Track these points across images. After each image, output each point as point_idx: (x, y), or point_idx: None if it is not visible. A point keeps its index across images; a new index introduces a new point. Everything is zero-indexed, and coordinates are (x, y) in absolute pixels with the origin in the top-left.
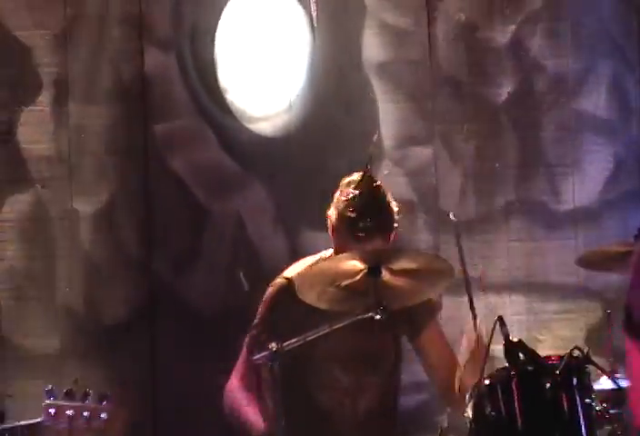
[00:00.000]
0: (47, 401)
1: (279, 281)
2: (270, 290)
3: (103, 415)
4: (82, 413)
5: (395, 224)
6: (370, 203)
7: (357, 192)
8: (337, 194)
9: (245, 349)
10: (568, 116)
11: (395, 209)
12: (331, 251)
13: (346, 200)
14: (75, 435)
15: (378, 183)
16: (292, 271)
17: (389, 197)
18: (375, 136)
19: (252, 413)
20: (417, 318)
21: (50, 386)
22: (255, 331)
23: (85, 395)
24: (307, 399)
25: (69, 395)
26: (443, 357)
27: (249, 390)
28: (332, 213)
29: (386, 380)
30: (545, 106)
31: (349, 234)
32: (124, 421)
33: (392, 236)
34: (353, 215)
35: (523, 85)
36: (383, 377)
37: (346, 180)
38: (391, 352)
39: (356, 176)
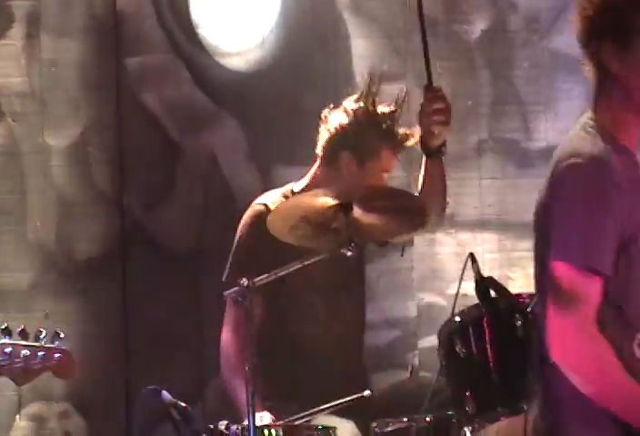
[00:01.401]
0: (3, 340)
1: (256, 207)
2: (245, 221)
3: (57, 355)
4: (37, 353)
5: None
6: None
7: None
8: (345, 117)
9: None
10: (541, 54)
11: None
12: (302, 184)
13: (367, 110)
14: (29, 374)
15: None
16: (265, 198)
17: None
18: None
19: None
20: None
21: (5, 325)
22: (234, 269)
23: (38, 335)
24: (286, 330)
25: (23, 335)
26: None
27: (244, 340)
28: (349, 113)
29: (357, 306)
30: (518, 44)
31: (390, 144)
32: (74, 362)
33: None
34: (389, 110)
35: (496, 23)
36: (354, 303)
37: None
38: (358, 281)
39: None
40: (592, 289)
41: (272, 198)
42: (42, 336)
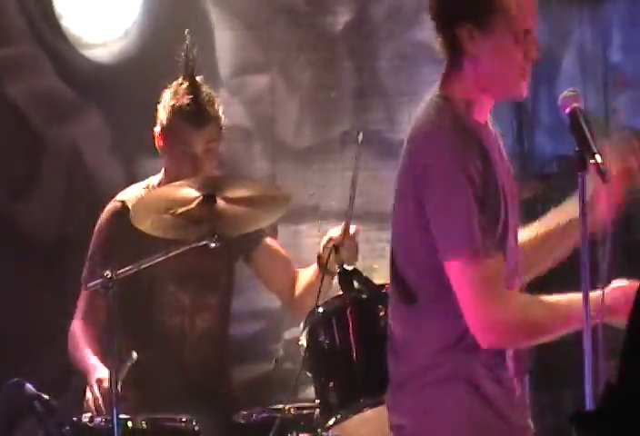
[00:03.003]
0: None
1: (112, 204)
2: (103, 216)
3: None
4: None
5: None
6: (201, 90)
7: (187, 83)
8: (163, 101)
9: (83, 284)
10: (405, 46)
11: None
12: (159, 177)
13: (178, 92)
14: None
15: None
16: (124, 194)
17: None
18: None
19: (89, 358)
20: (249, 238)
21: None
22: (91, 262)
23: None
24: (150, 321)
25: None
26: (280, 270)
27: (92, 328)
28: (163, 117)
29: (222, 300)
30: (382, 36)
31: (190, 123)
32: None
33: (221, 133)
34: (189, 101)
35: (359, 15)
36: (219, 297)
37: (167, 90)
38: (225, 275)
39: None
40: (499, 267)
41: (131, 193)
42: None
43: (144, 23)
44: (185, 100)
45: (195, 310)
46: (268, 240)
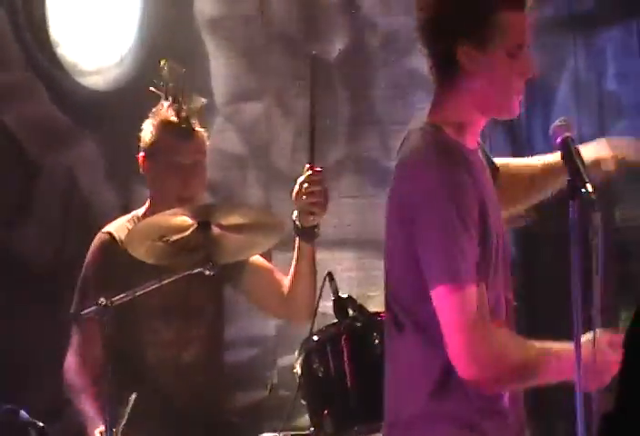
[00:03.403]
0: None
1: (99, 236)
2: (91, 249)
3: None
4: None
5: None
6: (183, 106)
7: (169, 101)
8: (145, 127)
9: (73, 318)
10: (400, 74)
11: None
12: (143, 208)
13: (161, 110)
14: None
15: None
16: (111, 226)
17: None
18: None
19: (89, 408)
20: (235, 263)
21: None
22: (80, 295)
23: None
24: (132, 357)
25: None
26: (269, 287)
27: (89, 366)
28: (147, 138)
29: (210, 330)
30: (377, 64)
31: (177, 135)
32: None
33: (206, 148)
34: (174, 113)
35: (354, 43)
36: (206, 328)
37: (148, 119)
38: (212, 305)
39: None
40: (482, 297)
41: (117, 225)
42: None
43: (139, 50)
44: (170, 113)
45: (179, 344)
46: (254, 264)
